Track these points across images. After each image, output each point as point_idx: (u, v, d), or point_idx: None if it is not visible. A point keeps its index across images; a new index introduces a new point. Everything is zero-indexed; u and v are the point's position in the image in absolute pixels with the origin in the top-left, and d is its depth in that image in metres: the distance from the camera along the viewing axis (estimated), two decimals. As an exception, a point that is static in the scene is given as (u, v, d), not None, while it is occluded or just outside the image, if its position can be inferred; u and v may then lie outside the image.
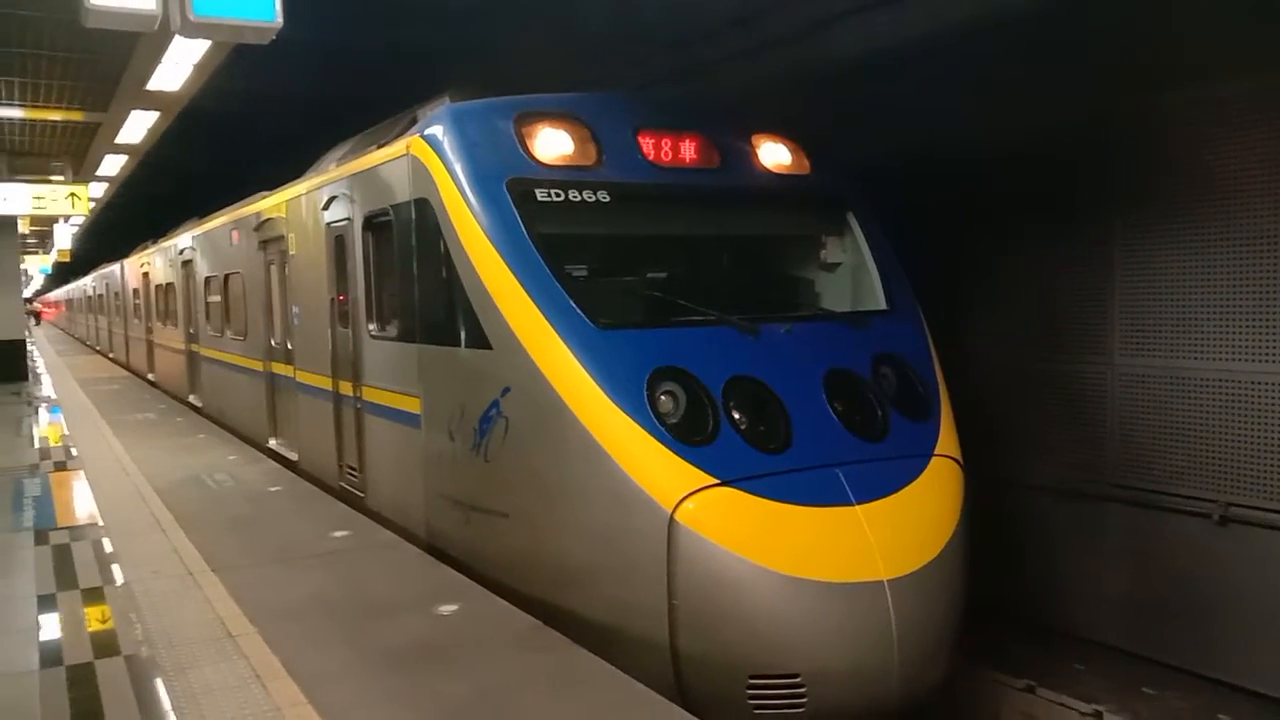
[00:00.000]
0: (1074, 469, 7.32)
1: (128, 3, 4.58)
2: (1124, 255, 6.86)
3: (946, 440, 5.74)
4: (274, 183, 10.37)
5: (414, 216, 6.34)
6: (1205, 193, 6.33)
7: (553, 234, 5.63)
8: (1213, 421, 6.43)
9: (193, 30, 4.76)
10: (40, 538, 6.91)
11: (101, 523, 7.31)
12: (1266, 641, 6.20)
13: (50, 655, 4.67)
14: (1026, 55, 7.04)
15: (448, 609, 5.12)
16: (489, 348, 5.61)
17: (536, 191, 5.70)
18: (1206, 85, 6.26)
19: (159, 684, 4.30)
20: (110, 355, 27.85)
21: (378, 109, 8.53)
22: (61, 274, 53.20)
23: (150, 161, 16.34)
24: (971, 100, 7.53)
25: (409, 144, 6.38)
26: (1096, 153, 6.94)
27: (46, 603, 5.48)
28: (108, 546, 6.63)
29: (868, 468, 5.27)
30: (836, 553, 4.85)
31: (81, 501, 8.12)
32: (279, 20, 4.87)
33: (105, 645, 4.78)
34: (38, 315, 65.06)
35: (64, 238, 23.90)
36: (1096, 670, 6.82)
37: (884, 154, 7.80)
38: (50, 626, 5.11)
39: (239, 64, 10.02)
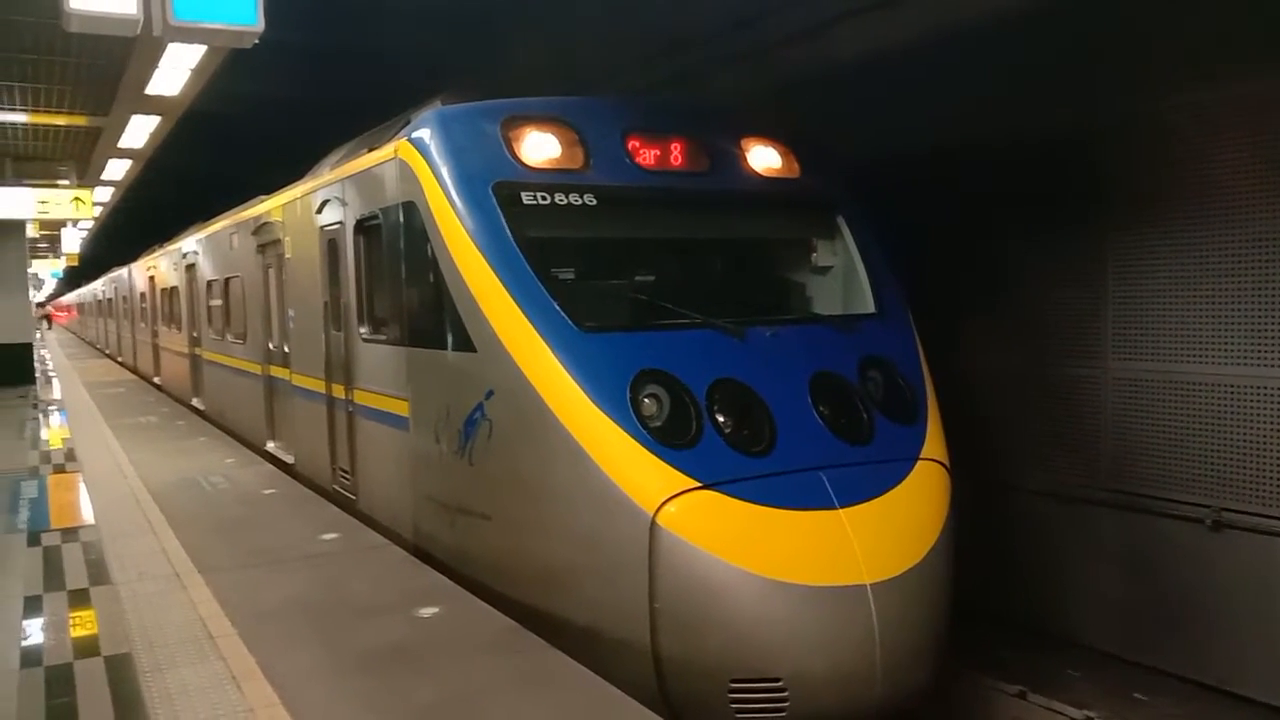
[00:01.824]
0: (1069, 473, 7.27)
1: (108, 7, 4.59)
2: (1116, 258, 6.81)
3: (933, 444, 5.69)
4: (278, 186, 10.39)
5: (401, 219, 6.35)
6: (1198, 196, 6.28)
7: (538, 237, 5.63)
8: (1206, 426, 6.38)
9: (174, 34, 4.78)
10: (33, 539, 6.92)
11: (95, 525, 7.33)
12: (1258, 647, 6.15)
13: (31, 656, 4.67)
14: (1021, 59, 7.01)
15: (428, 611, 5.11)
16: (474, 350, 5.60)
17: (522, 194, 5.69)
18: (1197, 90, 6.22)
19: (136, 685, 4.29)
20: (119, 359, 27.98)
21: (385, 112, 8.52)
22: (74, 278, 53.49)
23: (155, 166, 16.43)
24: (969, 106, 7.51)
25: (397, 148, 6.39)
26: (1088, 156, 6.90)
27: (33, 604, 5.49)
28: (99, 549, 6.64)
29: (852, 471, 5.23)
30: (819, 556, 4.82)
31: (77, 504, 8.14)
32: (261, 24, 4.88)
33: (86, 646, 4.78)
34: (49, 319, 65.35)
35: (72, 241, 24.06)
36: (1090, 676, 6.78)
37: (880, 157, 7.78)
38: (34, 627, 5.11)
39: (240, 68, 10.01)
